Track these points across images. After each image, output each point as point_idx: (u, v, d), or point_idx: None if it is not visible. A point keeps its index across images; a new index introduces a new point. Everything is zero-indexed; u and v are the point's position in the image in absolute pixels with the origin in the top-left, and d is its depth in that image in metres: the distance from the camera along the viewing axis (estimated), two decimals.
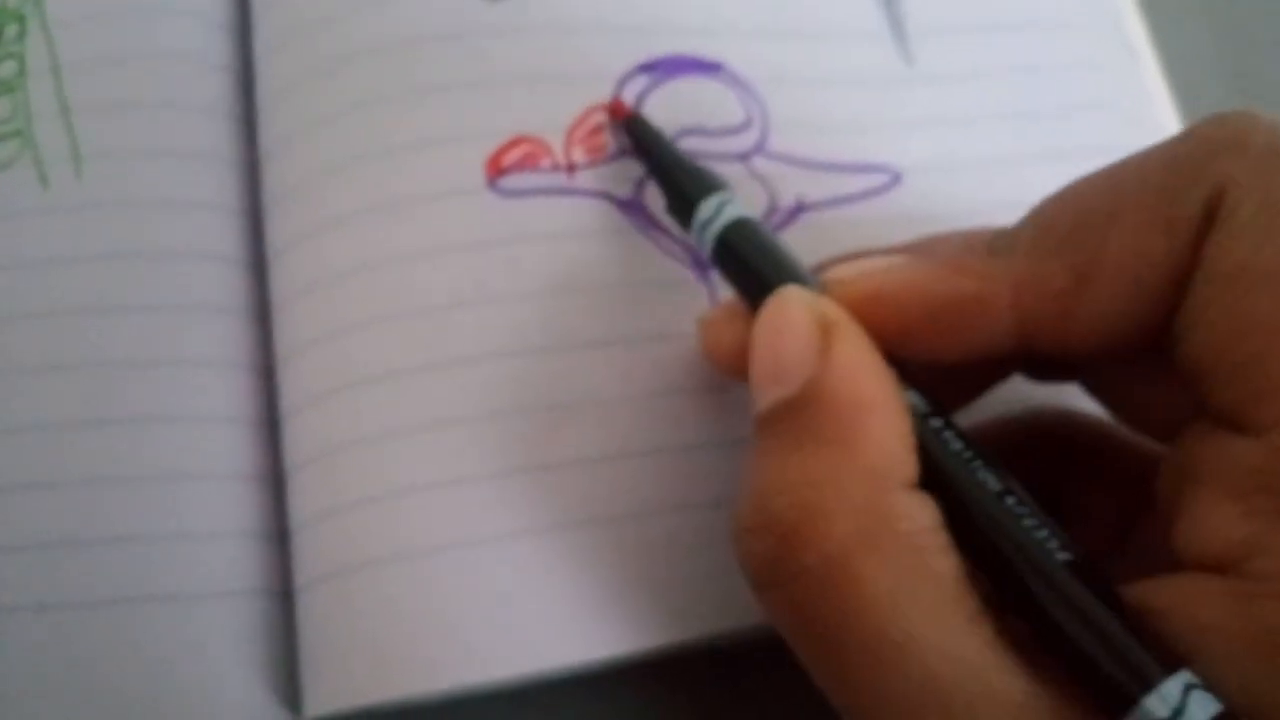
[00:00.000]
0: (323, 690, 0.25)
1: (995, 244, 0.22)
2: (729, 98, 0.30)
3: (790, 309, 0.21)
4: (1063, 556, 0.19)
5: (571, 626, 0.25)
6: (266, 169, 0.29)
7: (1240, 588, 0.17)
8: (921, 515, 0.19)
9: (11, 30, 0.30)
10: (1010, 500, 0.19)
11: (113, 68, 0.30)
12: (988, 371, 0.25)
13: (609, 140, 0.28)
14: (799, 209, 0.29)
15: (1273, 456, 0.18)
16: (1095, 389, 0.24)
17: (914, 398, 0.20)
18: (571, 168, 0.28)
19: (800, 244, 0.28)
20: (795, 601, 0.19)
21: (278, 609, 0.26)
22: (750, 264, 0.23)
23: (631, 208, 0.28)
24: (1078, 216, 0.20)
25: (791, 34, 0.31)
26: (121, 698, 0.24)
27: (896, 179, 0.30)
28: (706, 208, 0.24)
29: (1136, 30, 0.36)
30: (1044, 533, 0.19)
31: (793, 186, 0.29)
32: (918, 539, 0.19)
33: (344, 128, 0.28)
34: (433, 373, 0.26)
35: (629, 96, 0.29)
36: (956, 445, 0.20)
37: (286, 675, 0.26)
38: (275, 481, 0.27)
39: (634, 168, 0.28)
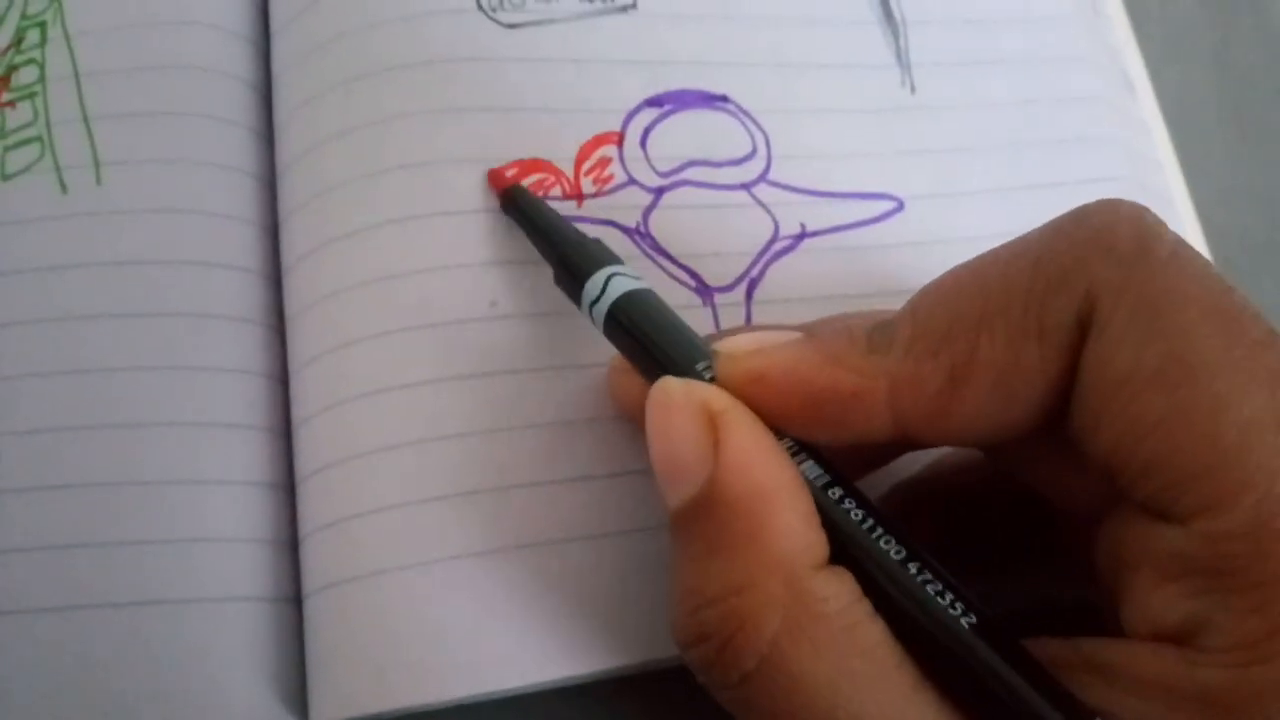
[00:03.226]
0: (329, 697, 0.25)
1: (874, 338, 0.21)
2: (735, 128, 0.30)
3: (674, 405, 0.21)
4: (967, 620, 0.19)
5: (580, 638, 0.25)
6: (284, 181, 0.30)
7: (1190, 655, 0.18)
8: (841, 592, 0.19)
9: (32, 36, 0.31)
10: (913, 566, 0.20)
11: (133, 77, 0.30)
12: (880, 450, 0.25)
13: (616, 171, 0.29)
14: (802, 236, 0.30)
15: (1201, 543, 0.18)
16: (1007, 467, 0.24)
17: (811, 469, 0.21)
18: (580, 196, 0.29)
19: (804, 270, 0.29)
20: (746, 701, 0.19)
21: (287, 615, 0.27)
22: (640, 341, 0.23)
23: (638, 235, 0.29)
24: (951, 318, 0.20)
25: (796, 66, 0.32)
26: (130, 701, 0.25)
27: (899, 207, 0.31)
28: (593, 284, 0.24)
29: (1135, 64, 0.37)
30: (948, 596, 0.19)
31: (796, 214, 0.30)
32: (842, 618, 0.19)
33: (360, 143, 0.29)
34: (441, 387, 0.27)
35: (636, 129, 0.30)
36: (857, 515, 0.20)
37: (294, 682, 0.26)
38: (288, 489, 0.28)
39: (641, 196, 0.29)
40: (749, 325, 0.25)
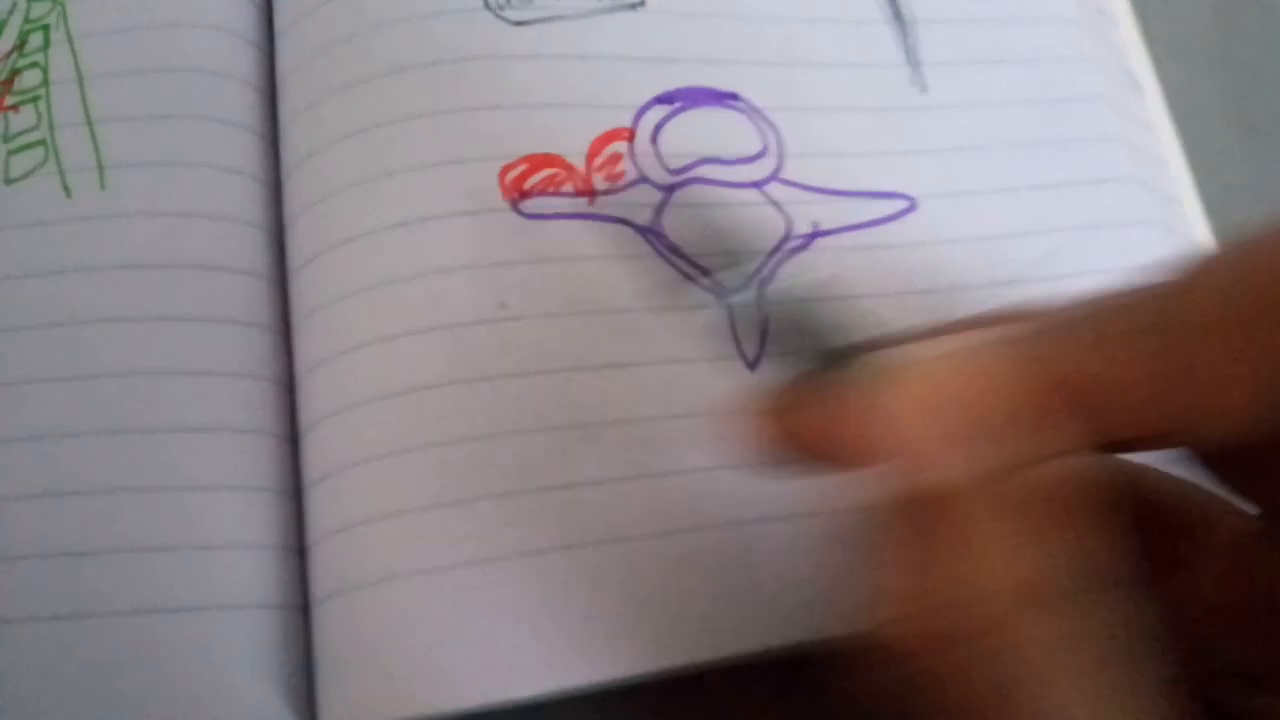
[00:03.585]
0: (338, 705, 0.25)
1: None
2: (745, 126, 0.30)
3: (922, 390, 0.18)
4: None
5: (590, 646, 0.25)
6: (289, 184, 0.30)
7: None
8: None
9: (35, 40, 0.30)
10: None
11: (137, 79, 0.30)
12: None
13: (628, 167, 0.29)
14: (814, 234, 0.29)
15: None
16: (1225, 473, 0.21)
17: None
18: (592, 193, 0.29)
19: (816, 269, 0.29)
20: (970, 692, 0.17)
21: (295, 622, 0.27)
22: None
23: (650, 233, 0.28)
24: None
25: (806, 64, 0.31)
26: (137, 708, 0.25)
27: (911, 206, 0.31)
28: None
29: (1141, 64, 0.37)
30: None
31: (808, 213, 0.30)
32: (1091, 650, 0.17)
33: (367, 145, 0.29)
34: (450, 389, 0.26)
35: (647, 125, 0.29)
36: None
37: (303, 689, 0.26)
38: (295, 495, 0.28)
39: (653, 194, 0.29)
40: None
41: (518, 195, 0.28)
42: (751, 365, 0.28)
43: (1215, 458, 0.20)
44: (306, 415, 0.28)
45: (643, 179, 0.29)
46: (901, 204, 0.31)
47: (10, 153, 0.29)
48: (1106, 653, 0.16)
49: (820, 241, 0.29)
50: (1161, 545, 0.21)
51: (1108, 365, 0.17)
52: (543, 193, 0.28)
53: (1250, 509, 0.20)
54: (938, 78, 0.33)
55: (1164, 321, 0.17)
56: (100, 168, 0.29)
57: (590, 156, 0.29)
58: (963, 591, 0.17)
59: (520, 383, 0.27)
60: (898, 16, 0.33)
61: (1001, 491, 0.17)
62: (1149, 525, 0.21)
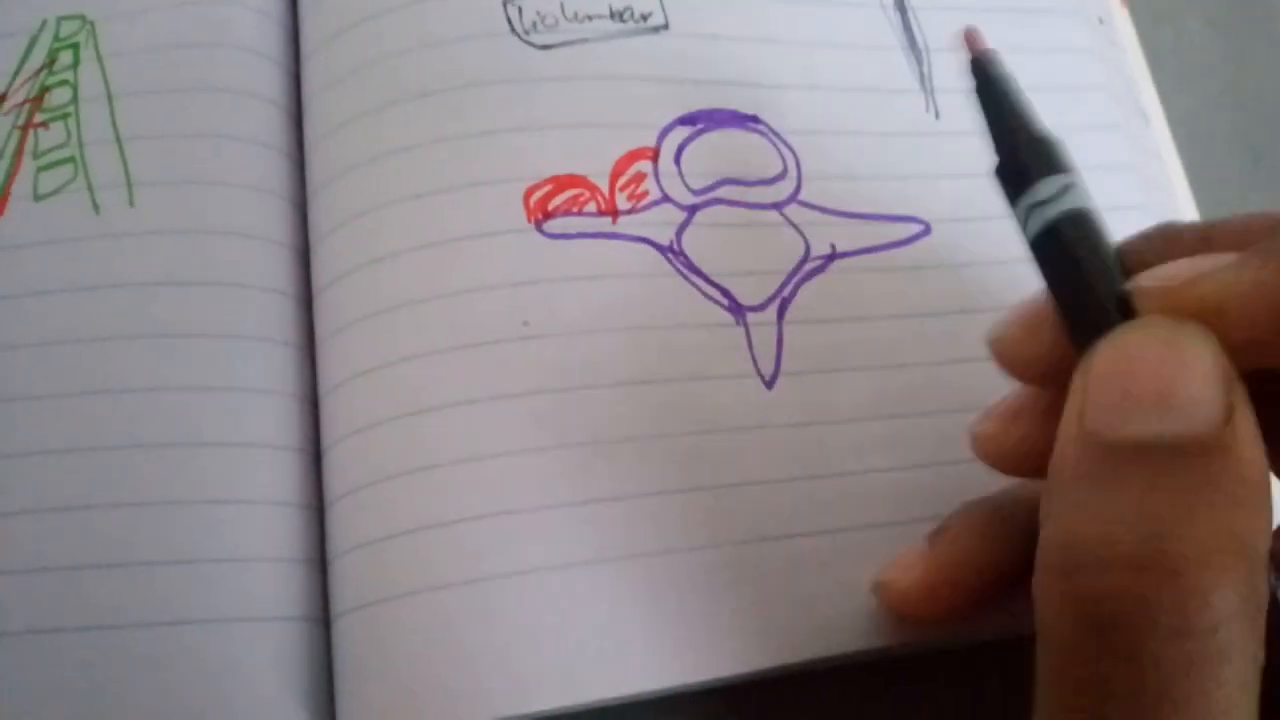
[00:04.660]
0: (359, 717, 0.25)
1: None
2: (765, 148, 0.31)
3: (1191, 348, 0.18)
4: None
5: (611, 660, 0.25)
6: (315, 204, 0.30)
7: None
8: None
9: (65, 58, 0.31)
10: None
11: (165, 98, 0.30)
12: None
13: (651, 187, 0.29)
14: (833, 256, 0.30)
15: None
16: None
17: None
18: (615, 213, 0.29)
19: (835, 290, 0.29)
20: (1150, 659, 0.17)
21: (317, 635, 0.27)
22: (1083, 267, 0.21)
23: (672, 253, 0.29)
24: None
25: (826, 89, 0.32)
26: (161, 719, 0.25)
27: (926, 229, 0.31)
28: (1047, 187, 0.21)
29: (1149, 94, 0.37)
30: None
31: (827, 234, 0.30)
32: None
33: (393, 167, 0.29)
34: (474, 408, 0.27)
35: (670, 146, 0.30)
36: None
37: (324, 701, 0.26)
38: (317, 509, 0.28)
39: (675, 214, 0.29)
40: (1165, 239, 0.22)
41: (542, 216, 0.28)
42: (769, 383, 0.28)
43: None
44: (330, 432, 0.28)
45: (665, 199, 0.29)
46: (916, 228, 0.31)
47: (40, 169, 0.30)
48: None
49: (839, 263, 0.30)
50: None
51: None
52: (567, 213, 0.29)
53: None
54: (951, 104, 0.33)
55: None
56: (129, 185, 0.29)
57: (614, 177, 0.29)
58: (1219, 532, 0.17)
59: (542, 400, 0.27)
60: (913, 44, 0.34)
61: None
62: None
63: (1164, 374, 0.18)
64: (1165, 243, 0.22)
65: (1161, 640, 0.17)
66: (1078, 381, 0.19)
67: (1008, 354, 0.23)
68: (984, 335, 0.23)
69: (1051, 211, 0.21)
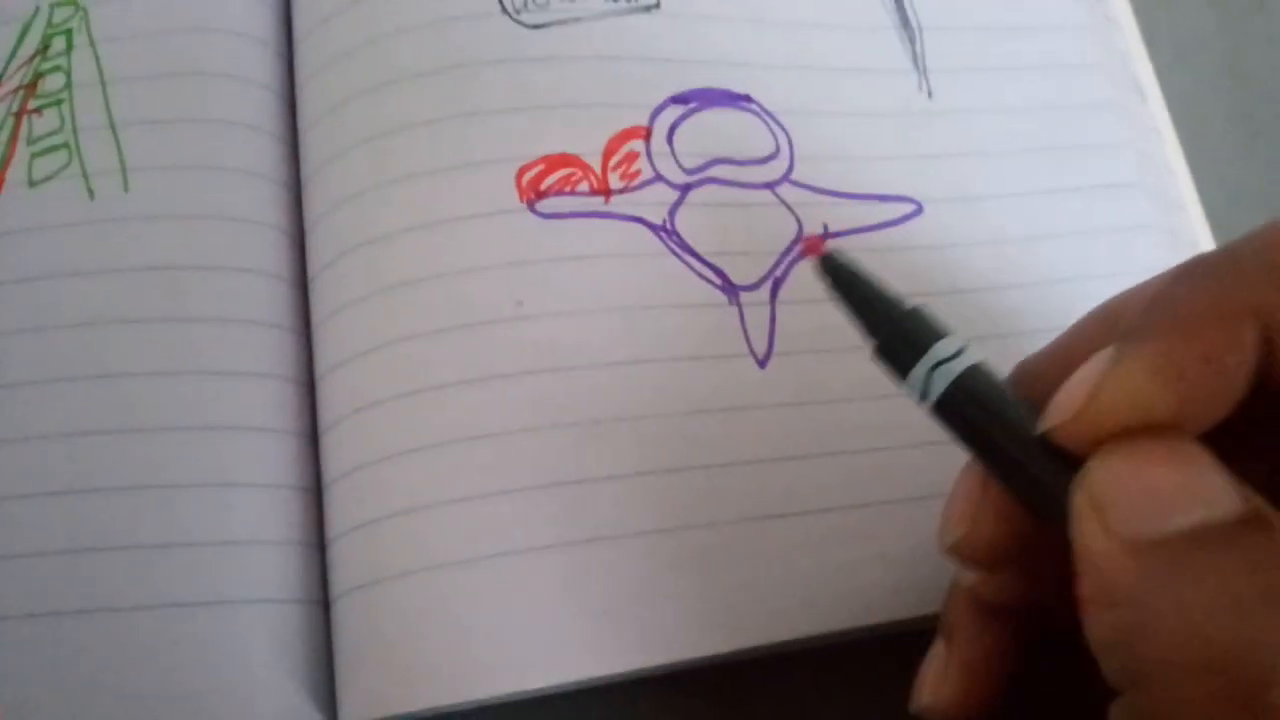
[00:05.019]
0: (359, 698, 0.25)
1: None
2: (758, 128, 0.31)
3: (1172, 443, 0.18)
4: None
5: (605, 638, 0.25)
6: (309, 187, 0.30)
7: None
8: None
9: (58, 44, 0.31)
10: None
11: (159, 83, 0.30)
12: None
13: (644, 167, 0.29)
14: (825, 236, 0.30)
15: None
16: None
17: None
18: (608, 192, 0.29)
19: None
20: None
21: (316, 617, 0.27)
22: (1007, 412, 0.21)
23: (665, 232, 0.29)
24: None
25: (818, 68, 0.32)
26: (159, 703, 0.25)
27: (918, 210, 0.31)
28: (945, 346, 0.21)
29: (1144, 71, 0.37)
30: None
31: (819, 214, 0.30)
32: None
33: (386, 149, 0.29)
34: (468, 388, 0.27)
35: (663, 125, 0.30)
36: None
37: (324, 682, 0.26)
38: (314, 492, 0.28)
39: (668, 193, 0.29)
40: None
41: (534, 196, 0.28)
42: (762, 363, 0.28)
43: None
44: (327, 414, 0.28)
45: (658, 178, 0.29)
46: (909, 208, 0.31)
47: (34, 155, 0.30)
48: None
49: (831, 243, 0.30)
50: None
51: None
52: (559, 193, 0.29)
53: None
54: (944, 84, 0.33)
55: None
56: (123, 170, 0.29)
57: (606, 156, 0.29)
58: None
59: (536, 380, 0.27)
60: (905, 23, 0.34)
61: None
62: None
63: (1172, 471, 0.18)
64: (1049, 362, 0.23)
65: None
66: (1081, 504, 0.19)
67: (969, 551, 0.22)
68: (938, 547, 0.23)
69: (959, 366, 0.21)
